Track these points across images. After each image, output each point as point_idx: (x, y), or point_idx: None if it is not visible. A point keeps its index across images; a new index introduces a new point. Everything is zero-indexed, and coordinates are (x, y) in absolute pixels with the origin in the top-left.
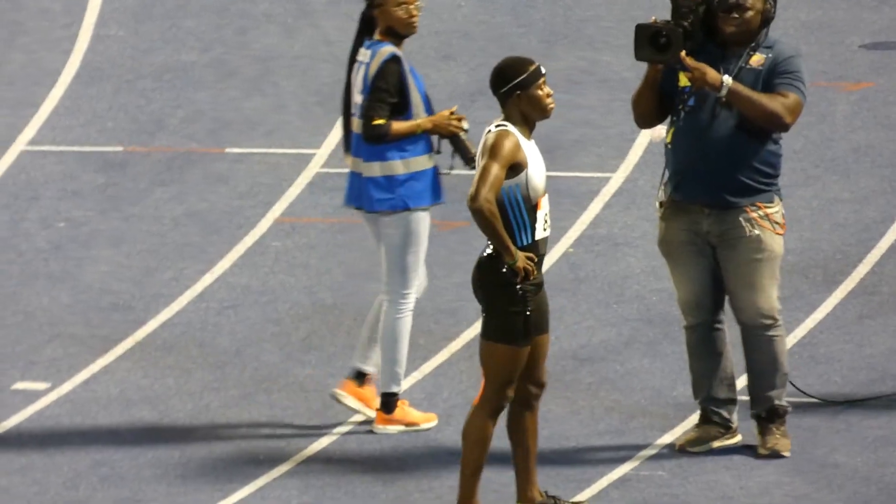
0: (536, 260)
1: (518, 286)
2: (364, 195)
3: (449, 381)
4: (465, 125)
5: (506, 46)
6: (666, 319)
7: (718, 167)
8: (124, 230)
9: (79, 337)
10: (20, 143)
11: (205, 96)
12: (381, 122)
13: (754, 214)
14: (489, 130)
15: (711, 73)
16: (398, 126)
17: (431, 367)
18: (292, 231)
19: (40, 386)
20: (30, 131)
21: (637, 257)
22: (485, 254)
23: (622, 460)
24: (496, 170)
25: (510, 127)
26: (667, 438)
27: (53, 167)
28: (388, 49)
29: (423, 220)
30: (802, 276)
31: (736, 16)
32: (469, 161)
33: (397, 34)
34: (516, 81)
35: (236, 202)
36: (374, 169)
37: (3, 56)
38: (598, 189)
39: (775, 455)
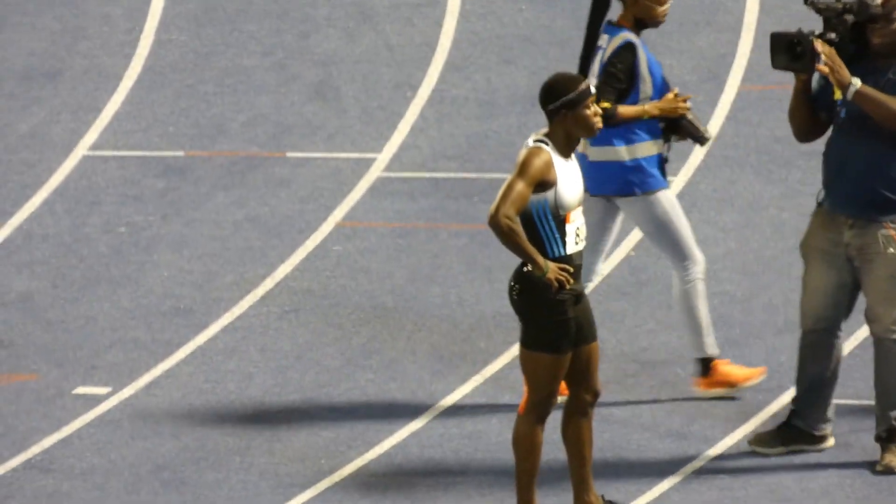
0: (571, 271)
1: (556, 295)
2: (595, 179)
3: (511, 385)
4: (689, 105)
5: (567, 50)
6: (727, 322)
7: (861, 181)
8: (185, 235)
9: (140, 341)
10: (82, 148)
11: (266, 100)
12: (607, 105)
13: (892, 231)
14: (526, 144)
15: (843, 70)
16: (625, 110)
17: (493, 371)
18: (353, 235)
19: (102, 391)
20: (91, 136)
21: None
22: (521, 264)
23: (684, 463)
24: (520, 187)
25: (546, 145)
26: (728, 441)
27: (115, 172)
28: (624, 35)
29: (661, 200)
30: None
31: (880, 26)
32: (700, 140)
33: (643, 25)
34: (564, 100)
35: (297, 206)
36: (603, 153)
37: (65, 61)
38: None
39: (888, 472)
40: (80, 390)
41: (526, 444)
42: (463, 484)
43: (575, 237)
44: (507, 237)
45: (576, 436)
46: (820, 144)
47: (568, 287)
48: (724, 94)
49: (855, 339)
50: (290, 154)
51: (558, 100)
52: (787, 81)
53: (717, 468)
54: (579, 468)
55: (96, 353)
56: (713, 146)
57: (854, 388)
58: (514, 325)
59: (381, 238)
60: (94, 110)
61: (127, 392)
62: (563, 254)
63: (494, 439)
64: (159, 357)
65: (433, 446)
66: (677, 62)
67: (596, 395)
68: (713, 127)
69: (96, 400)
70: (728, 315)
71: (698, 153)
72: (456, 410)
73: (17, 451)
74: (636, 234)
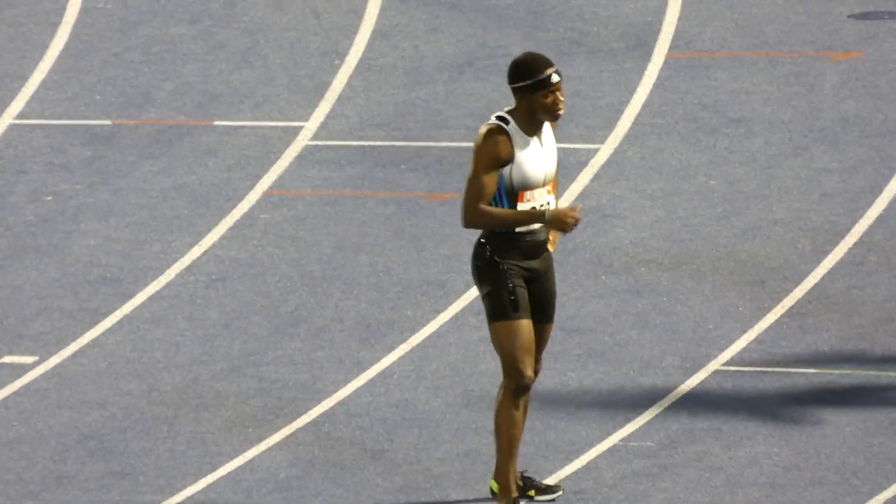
0: (576, 215)
1: (500, 264)
2: None
3: (438, 353)
4: None
5: (493, 18)
6: (655, 290)
7: None
8: (112, 203)
9: (67, 310)
10: (8, 117)
11: (193, 69)
12: None
13: None
14: (487, 121)
15: None
16: None
17: (420, 339)
18: (281, 203)
19: (28, 360)
20: (17, 105)
21: (626, 229)
22: (478, 237)
23: (611, 432)
24: (479, 180)
25: (507, 123)
26: (655, 410)
27: (41, 141)
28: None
29: None
30: (791, 247)
31: None
32: None
33: None
34: (526, 83)
35: (225, 175)
36: None
37: None
38: (587, 160)
39: None
40: (7, 359)
41: (502, 417)
42: (390, 452)
43: None
44: (487, 224)
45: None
46: (748, 112)
47: (570, 221)
48: (651, 63)
49: (782, 306)
50: (217, 122)
51: (520, 82)
52: (714, 49)
53: (645, 436)
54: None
55: (23, 322)
56: (641, 114)
57: (781, 355)
58: (441, 293)
59: (308, 206)
60: (21, 79)
61: (53, 361)
62: (511, 231)
63: (422, 407)
64: (86, 326)
65: (360, 415)
66: (605, 29)
67: (535, 373)
68: (640, 96)
69: (23, 369)
70: (655, 282)
71: (625, 121)
72: (383, 379)
73: None
74: (564, 202)
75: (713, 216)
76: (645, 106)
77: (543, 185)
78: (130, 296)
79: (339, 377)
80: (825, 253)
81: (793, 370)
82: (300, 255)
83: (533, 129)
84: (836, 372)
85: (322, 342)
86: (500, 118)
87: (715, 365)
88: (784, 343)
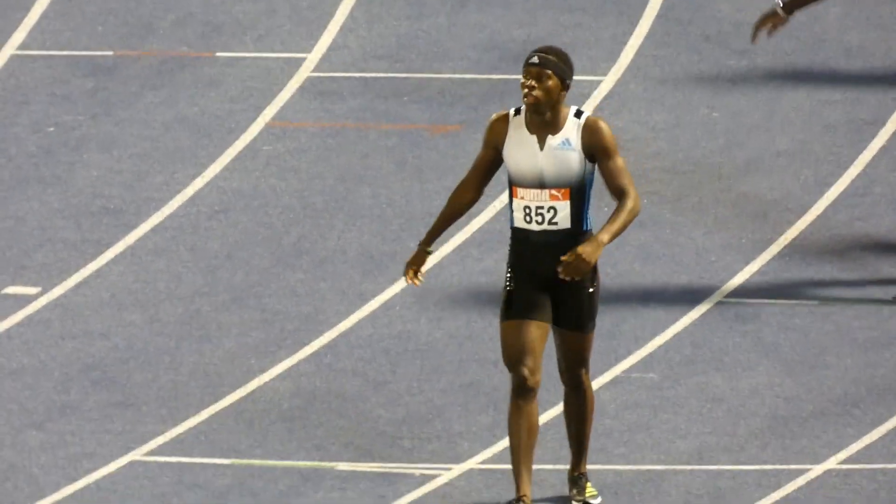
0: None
1: (508, 266)
2: None
3: (440, 285)
4: None
5: None
6: (657, 223)
7: None
8: (115, 135)
9: (70, 241)
10: (9, 48)
11: (195, 0)
12: None
13: None
14: None
15: None
16: None
17: (422, 271)
18: (283, 135)
19: (31, 290)
20: (19, 35)
21: (628, 161)
22: None
23: (613, 363)
24: (479, 154)
25: (517, 113)
26: (658, 341)
27: (43, 72)
28: None
29: None
30: (794, 178)
31: None
32: None
33: None
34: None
35: (227, 106)
36: None
37: None
38: (589, 92)
39: None
40: (10, 290)
41: (509, 418)
42: (393, 383)
43: (524, 214)
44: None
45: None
46: (751, 44)
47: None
48: None
49: (785, 238)
50: (219, 54)
51: None
52: None
53: (647, 367)
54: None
55: (26, 252)
56: (644, 45)
57: (784, 287)
58: None
59: (311, 138)
60: (22, 9)
61: (57, 292)
62: (512, 224)
63: (424, 339)
64: (89, 257)
65: (363, 346)
66: None
67: (567, 384)
68: (643, 27)
69: (26, 300)
70: (658, 215)
71: (628, 53)
72: (386, 310)
73: None
74: None
75: (716, 148)
76: (647, 38)
77: (540, 187)
78: (133, 227)
79: (341, 308)
80: (828, 185)
81: (795, 302)
82: (303, 186)
83: (534, 124)
84: (839, 304)
85: (324, 273)
86: (518, 109)
87: (717, 297)
88: (786, 275)
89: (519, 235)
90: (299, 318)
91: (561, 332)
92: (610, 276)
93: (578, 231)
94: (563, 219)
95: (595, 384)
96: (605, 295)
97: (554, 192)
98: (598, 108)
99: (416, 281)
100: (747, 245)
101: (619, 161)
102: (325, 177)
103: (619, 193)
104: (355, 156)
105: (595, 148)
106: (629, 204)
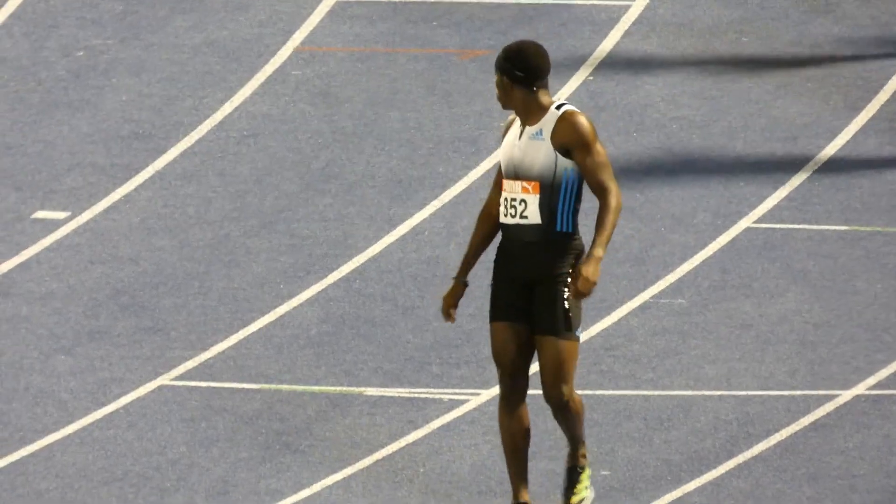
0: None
1: (494, 264)
2: None
3: (469, 210)
4: None
5: None
6: (686, 148)
7: None
8: (144, 58)
9: (99, 166)
10: None
11: None
12: None
13: None
14: None
15: None
16: None
17: (451, 196)
18: (312, 59)
19: (60, 215)
20: None
21: (657, 86)
22: None
23: (642, 289)
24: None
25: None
26: (686, 267)
27: None
28: None
29: None
30: (823, 103)
31: None
32: None
33: None
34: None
35: (256, 30)
36: None
37: None
38: (618, 17)
39: None
40: (39, 214)
41: (499, 423)
42: (421, 308)
43: (504, 206)
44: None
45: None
46: None
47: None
48: None
49: (814, 163)
50: None
51: None
52: None
53: (676, 293)
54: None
55: (55, 177)
56: None
57: (813, 212)
58: (472, 150)
59: (340, 63)
60: None
61: (85, 216)
62: (503, 221)
63: (452, 264)
64: (118, 181)
65: (392, 271)
66: None
67: (548, 398)
68: None
69: (55, 224)
70: (687, 140)
71: None
72: (414, 235)
73: None
74: (595, 59)
75: (744, 72)
76: None
77: (514, 178)
78: (162, 151)
79: (370, 233)
80: (857, 109)
81: (824, 227)
82: (332, 111)
83: (522, 119)
84: (868, 229)
85: (353, 198)
86: None
87: (746, 222)
88: (816, 200)
89: (502, 230)
90: (328, 243)
91: (538, 339)
92: (639, 201)
93: (551, 229)
94: (533, 213)
95: (624, 309)
96: (634, 219)
97: (525, 183)
98: (627, 33)
99: (453, 319)
100: (776, 170)
101: (598, 156)
102: (355, 101)
103: (598, 190)
104: (384, 80)
105: (569, 141)
106: (612, 202)
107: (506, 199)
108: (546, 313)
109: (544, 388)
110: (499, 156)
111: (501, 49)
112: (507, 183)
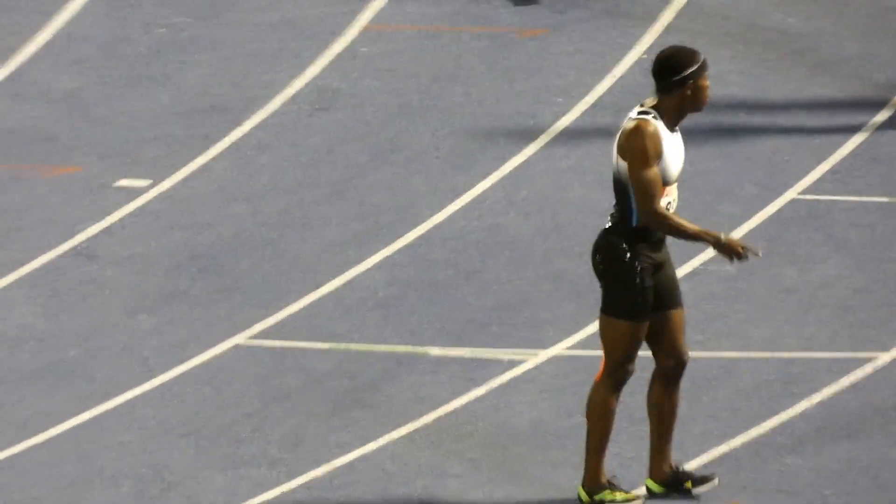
0: (742, 248)
1: (635, 263)
2: None
3: (528, 181)
4: None
5: None
6: (734, 123)
7: None
8: (222, 36)
9: (179, 137)
10: None
11: None
12: None
13: None
14: (630, 117)
15: None
16: None
17: (511, 167)
18: (379, 38)
19: (142, 183)
20: None
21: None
22: (605, 228)
23: (692, 255)
24: (651, 175)
25: (652, 117)
26: (734, 236)
27: None
28: None
29: None
30: (861, 81)
31: None
32: None
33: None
34: (691, 71)
35: (328, 10)
36: None
37: None
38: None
39: None
40: (123, 182)
41: (599, 410)
42: (483, 273)
43: (667, 209)
44: (668, 229)
45: (657, 403)
46: None
47: (741, 253)
48: None
49: (856, 139)
50: None
51: (683, 71)
52: None
53: (723, 260)
54: (657, 436)
55: (137, 147)
56: None
57: (855, 184)
58: (531, 123)
59: (406, 40)
60: None
61: (166, 184)
62: (645, 228)
63: (512, 232)
64: (196, 151)
65: (455, 238)
66: None
67: (680, 361)
68: None
69: (137, 192)
70: (733, 116)
71: None
72: (476, 204)
73: (64, 239)
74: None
75: (788, 52)
76: None
77: (677, 180)
78: (238, 123)
79: (434, 202)
80: None
81: (865, 199)
82: (398, 86)
83: (675, 123)
84: None
85: (418, 168)
86: (643, 113)
87: (791, 194)
88: (857, 173)
89: (654, 234)
90: (394, 210)
91: (667, 313)
92: (688, 173)
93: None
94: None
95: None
96: (683, 189)
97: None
98: (678, 14)
99: (758, 250)
100: (819, 145)
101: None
102: (420, 77)
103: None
104: (448, 57)
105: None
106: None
107: (669, 204)
108: (677, 289)
109: (681, 354)
110: (667, 164)
111: (702, 54)
112: (672, 188)
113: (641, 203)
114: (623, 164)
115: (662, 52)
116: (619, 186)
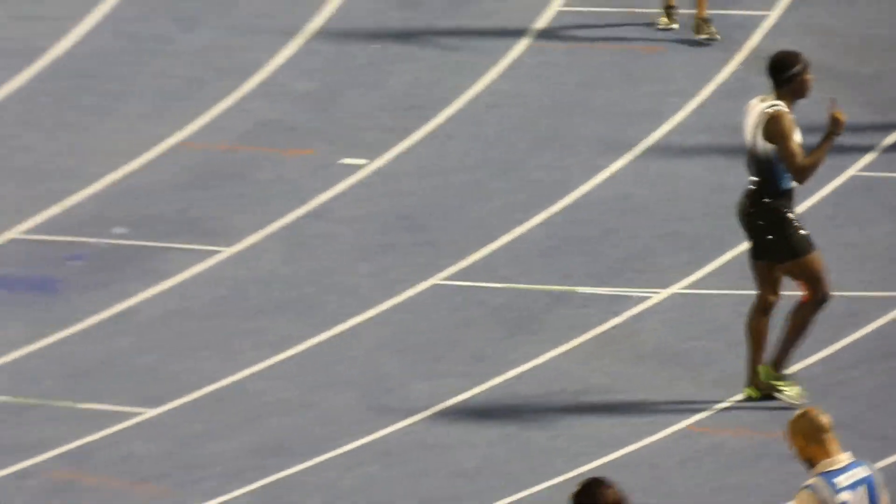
0: (793, 197)
1: (792, 214)
2: None
3: (654, 160)
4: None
5: None
6: (803, 110)
7: None
8: (419, 52)
9: (388, 127)
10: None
11: None
12: None
13: None
14: (764, 110)
15: None
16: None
17: (641, 150)
18: (539, 53)
19: (360, 161)
20: None
21: (762, 40)
22: (751, 198)
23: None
24: (795, 146)
25: (782, 106)
26: (807, 203)
27: (367, 5)
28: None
29: None
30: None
31: None
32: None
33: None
34: (798, 69)
35: (500, 32)
36: None
37: None
38: (761, 21)
39: None
40: (345, 161)
41: (801, 323)
42: (618, 231)
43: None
44: (816, 167)
45: (757, 329)
46: None
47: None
48: None
49: None
50: None
51: (791, 69)
52: None
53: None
54: (755, 353)
55: (357, 134)
56: None
57: None
58: (655, 117)
59: (559, 55)
60: None
61: (378, 163)
62: (789, 187)
63: (641, 200)
64: (401, 138)
65: (598, 204)
66: None
67: (778, 297)
68: None
69: (356, 168)
70: (803, 104)
71: None
72: (614, 180)
73: (301, 204)
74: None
75: (845, 48)
76: None
77: None
78: (431, 118)
79: (582, 178)
80: None
81: None
82: (553, 90)
83: (792, 110)
84: None
85: (571, 152)
86: (775, 105)
87: (852, 171)
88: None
89: (793, 192)
90: (552, 184)
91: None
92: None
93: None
94: None
95: None
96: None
97: None
98: (768, 34)
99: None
100: (876, 129)
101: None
102: (569, 83)
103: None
104: (590, 68)
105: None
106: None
107: (828, 135)
108: None
109: (779, 290)
110: (797, 139)
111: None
112: None
113: (793, 167)
114: (766, 145)
115: (773, 55)
116: (762, 162)
